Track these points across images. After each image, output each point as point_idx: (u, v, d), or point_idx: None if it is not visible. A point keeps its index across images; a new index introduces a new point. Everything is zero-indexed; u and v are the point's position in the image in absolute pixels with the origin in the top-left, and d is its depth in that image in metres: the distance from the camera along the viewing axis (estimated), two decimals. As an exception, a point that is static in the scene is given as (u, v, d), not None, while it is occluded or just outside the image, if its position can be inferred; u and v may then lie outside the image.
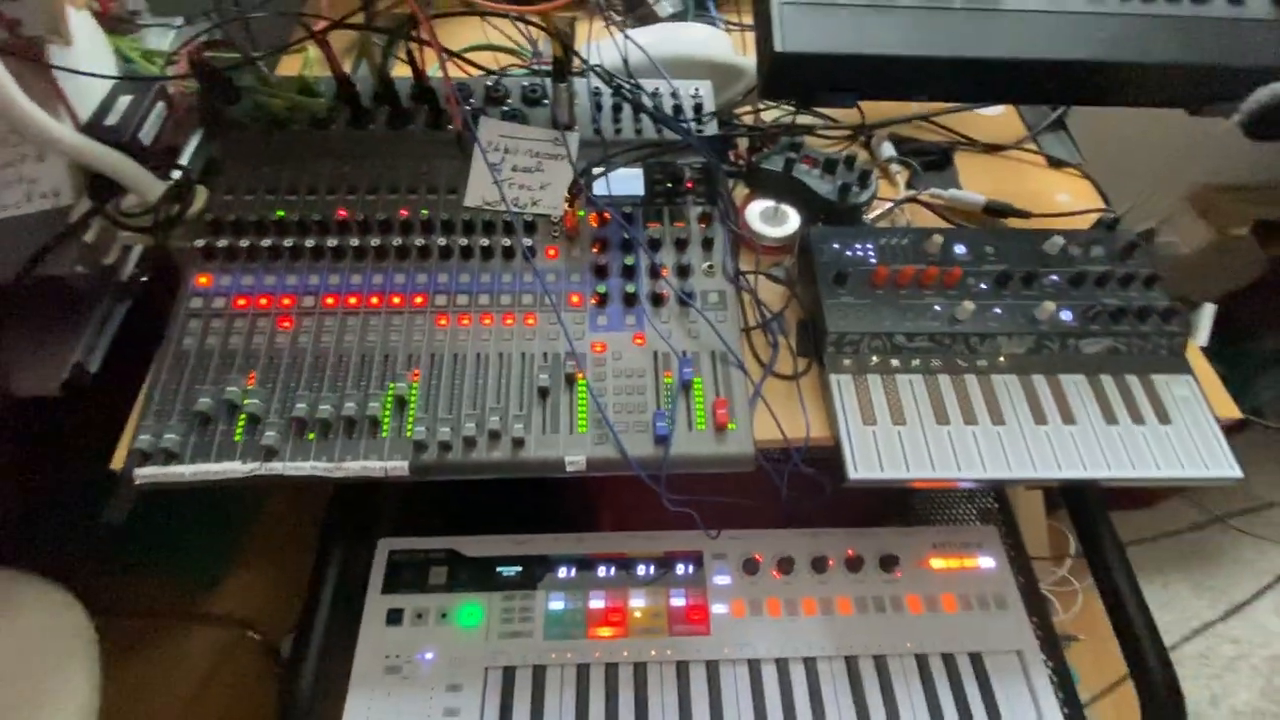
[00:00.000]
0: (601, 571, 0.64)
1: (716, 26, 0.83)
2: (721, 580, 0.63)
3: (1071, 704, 0.61)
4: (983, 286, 0.60)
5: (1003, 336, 0.58)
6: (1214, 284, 1.28)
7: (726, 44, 0.77)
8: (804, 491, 0.55)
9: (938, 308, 0.59)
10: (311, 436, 0.49)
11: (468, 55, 0.67)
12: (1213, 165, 1.31)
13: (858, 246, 0.61)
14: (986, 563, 0.66)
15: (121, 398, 0.58)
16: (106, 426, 0.59)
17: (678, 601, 0.62)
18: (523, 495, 0.69)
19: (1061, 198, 0.74)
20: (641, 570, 0.64)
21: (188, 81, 0.66)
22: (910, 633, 0.62)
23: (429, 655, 0.59)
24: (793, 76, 0.48)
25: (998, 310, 0.59)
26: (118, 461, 0.50)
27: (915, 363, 0.58)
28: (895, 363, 0.58)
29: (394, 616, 0.61)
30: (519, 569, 0.64)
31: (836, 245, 0.61)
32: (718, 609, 0.62)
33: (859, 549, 0.65)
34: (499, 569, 0.63)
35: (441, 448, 0.49)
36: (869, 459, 0.53)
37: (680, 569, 0.64)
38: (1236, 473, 0.52)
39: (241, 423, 0.50)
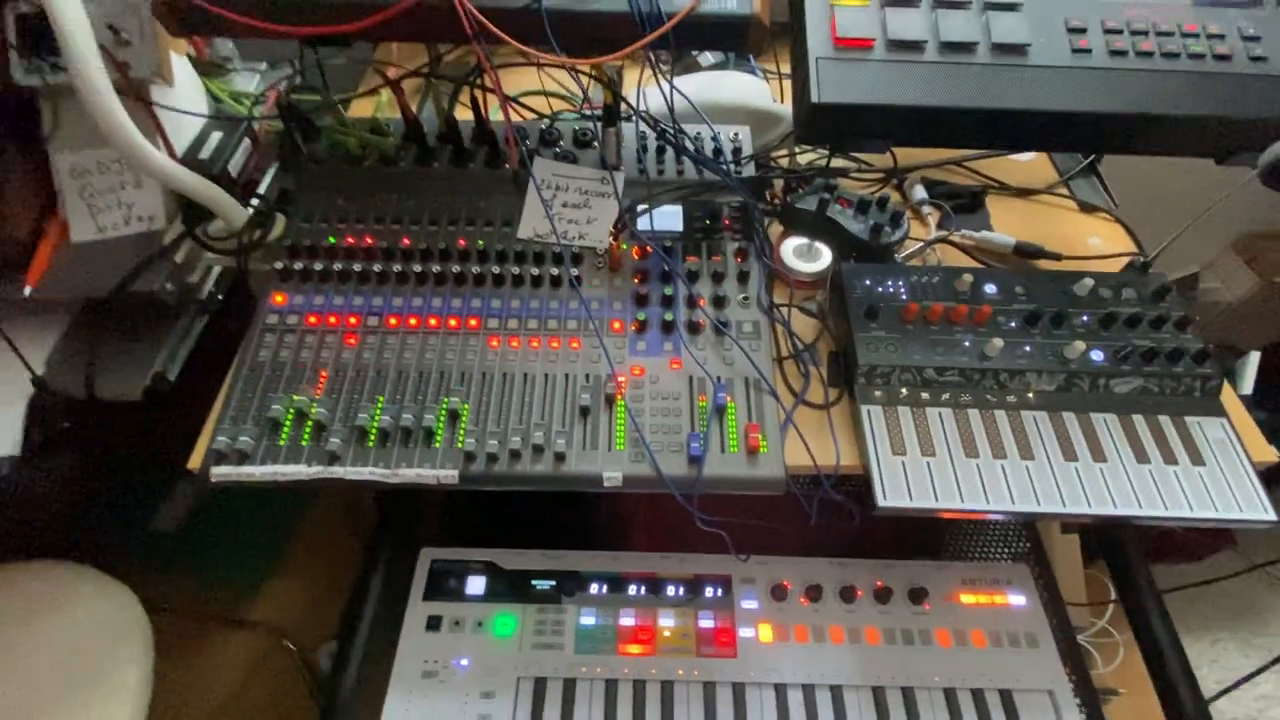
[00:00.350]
0: (632, 590, 0.66)
1: (756, 75, 0.88)
2: (749, 604, 0.65)
3: (1106, 749, 0.60)
4: (1012, 325, 0.62)
5: (1032, 374, 0.60)
6: (1259, 331, 1.26)
7: (765, 92, 0.82)
8: (833, 519, 0.57)
9: (967, 344, 0.60)
10: (371, 444, 0.53)
11: (524, 100, 0.73)
12: (1256, 213, 1.30)
13: (889, 283, 0.64)
14: (1018, 600, 0.66)
15: (188, 407, 0.64)
16: (169, 433, 0.64)
17: (706, 623, 0.64)
18: (558, 512, 0.72)
19: (1093, 241, 0.75)
20: (671, 591, 0.66)
21: (273, 121, 0.73)
22: (939, 666, 0.62)
23: (464, 662, 0.61)
24: (827, 124, 0.52)
25: (1027, 348, 0.60)
26: (195, 461, 0.54)
27: (944, 396, 0.59)
28: (925, 395, 0.59)
29: (433, 623, 0.63)
30: (553, 583, 0.66)
31: (868, 281, 0.64)
32: (745, 633, 0.63)
33: (888, 580, 0.66)
34: (533, 582, 0.66)
35: (489, 459, 0.53)
36: (898, 488, 0.54)
37: (709, 591, 0.66)
38: (1271, 516, 0.52)
39: (309, 429, 0.54)
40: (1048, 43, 0.52)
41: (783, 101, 0.80)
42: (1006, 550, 0.77)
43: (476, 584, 0.66)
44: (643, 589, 0.66)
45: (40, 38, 0.63)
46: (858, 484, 0.56)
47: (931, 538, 0.79)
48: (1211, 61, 0.52)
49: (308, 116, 0.65)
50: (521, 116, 0.73)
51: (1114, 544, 0.69)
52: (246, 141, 0.75)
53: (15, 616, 0.78)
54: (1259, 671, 0.72)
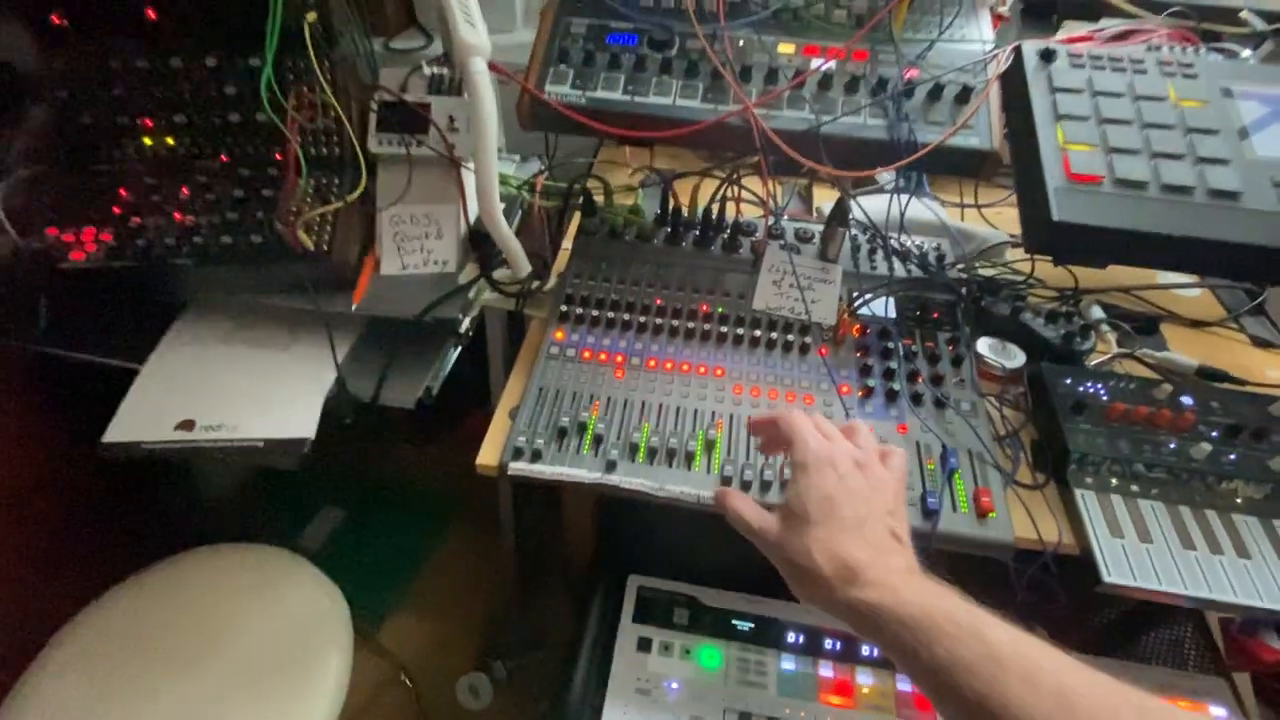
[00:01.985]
0: (828, 644, 0.69)
1: (929, 200, 1.01)
2: (945, 675, 0.66)
3: None
4: (1214, 434, 0.67)
5: (1240, 480, 0.64)
6: None
7: (944, 213, 0.94)
8: (1036, 602, 0.60)
9: (1173, 445, 0.65)
10: (642, 459, 0.62)
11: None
12: None
13: (1089, 384, 0.70)
14: (1219, 713, 0.65)
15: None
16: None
17: (905, 687, 0.66)
18: (750, 559, 0.77)
19: (1272, 373, 0.80)
20: (866, 651, 0.69)
21: (545, 200, 0.90)
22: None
23: (674, 685, 0.65)
24: (1062, 239, 0.62)
25: (1232, 456, 0.65)
26: (489, 458, 0.64)
27: (1154, 491, 0.64)
28: (1134, 488, 0.64)
29: (643, 644, 0.68)
30: (751, 625, 0.70)
31: (1069, 381, 0.71)
32: (944, 701, 0.64)
33: (1084, 673, 0.67)
34: (734, 621, 0.70)
35: (744, 485, 0.60)
36: (1121, 567, 0.58)
37: (903, 656, 0.68)
38: None
39: (588, 440, 0.63)
40: (1257, 191, 0.62)
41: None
42: (1193, 658, 0.76)
43: (681, 615, 0.70)
44: (838, 644, 0.69)
45: (394, 120, 0.82)
46: (1067, 567, 0.60)
47: (1119, 637, 0.79)
48: None
49: (593, 198, 0.80)
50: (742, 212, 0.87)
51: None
52: (520, 213, 0.92)
53: (230, 595, 0.86)
54: None
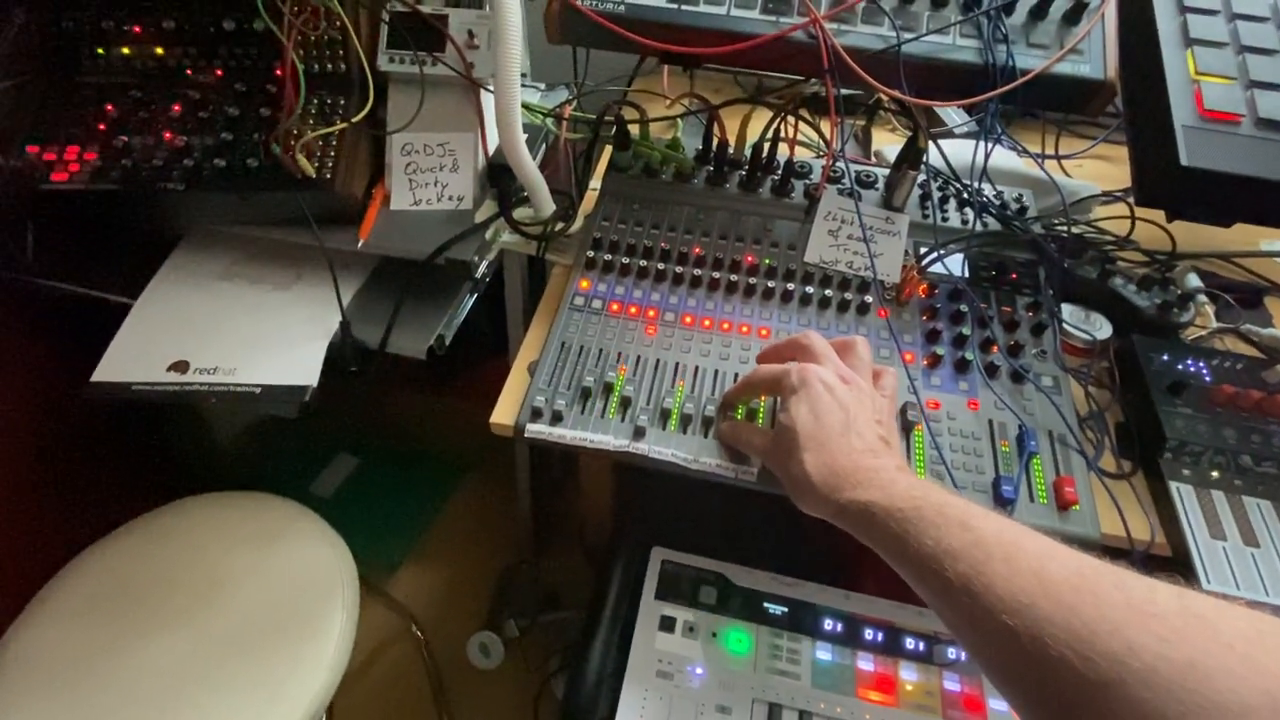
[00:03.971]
0: (868, 634, 0.63)
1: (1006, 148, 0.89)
2: (998, 675, 0.60)
3: None
4: (1336, 427, 0.58)
5: (1366, 481, 0.55)
6: None
7: (1020, 163, 0.83)
8: None
9: (1287, 437, 0.57)
10: (674, 426, 0.55)
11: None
12: None
13: (1189, 362, 0.61)
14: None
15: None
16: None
17: (952, 685, 0.60)
18: (785, 536, 0.70)
19: (1396, 358, 0.70)
20: (910, 644, 0.62)
21: (572, 132, 0.80)
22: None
23: (699, 670, 0.60)
24: (1190, 189, 0.52)
25: (1359, 454, 0.56)
26: (503, 417, 0.57)
27: (1261, 488, 0.55)
28: (1239, 483, 0.56)
29: (666, 623, 0.63)
30: (785, 609, 0.64)
31: (1166, 357, 0.61)
32: (997, 705, 0.59)
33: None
34: (765, 604, 0.64)
35: (790, 463, 0.53)
36: (1222, 574, 0.50)
37: (952, 653, 0.62)
38: None
39: (614, 403, 0.56)
40: None
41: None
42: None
43: (708, 594, 0.65)
44: (879, 635, 0.63)
45: (407, 34, 0.72)
46: (1154, 570, 0.53)
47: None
48: None
49: (626, 128, 0.71)
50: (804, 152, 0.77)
51: None
52: (544, 146, 0.83)
53: (229, 547, 0.82)
54: None
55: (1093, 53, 0.57)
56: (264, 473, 1.40)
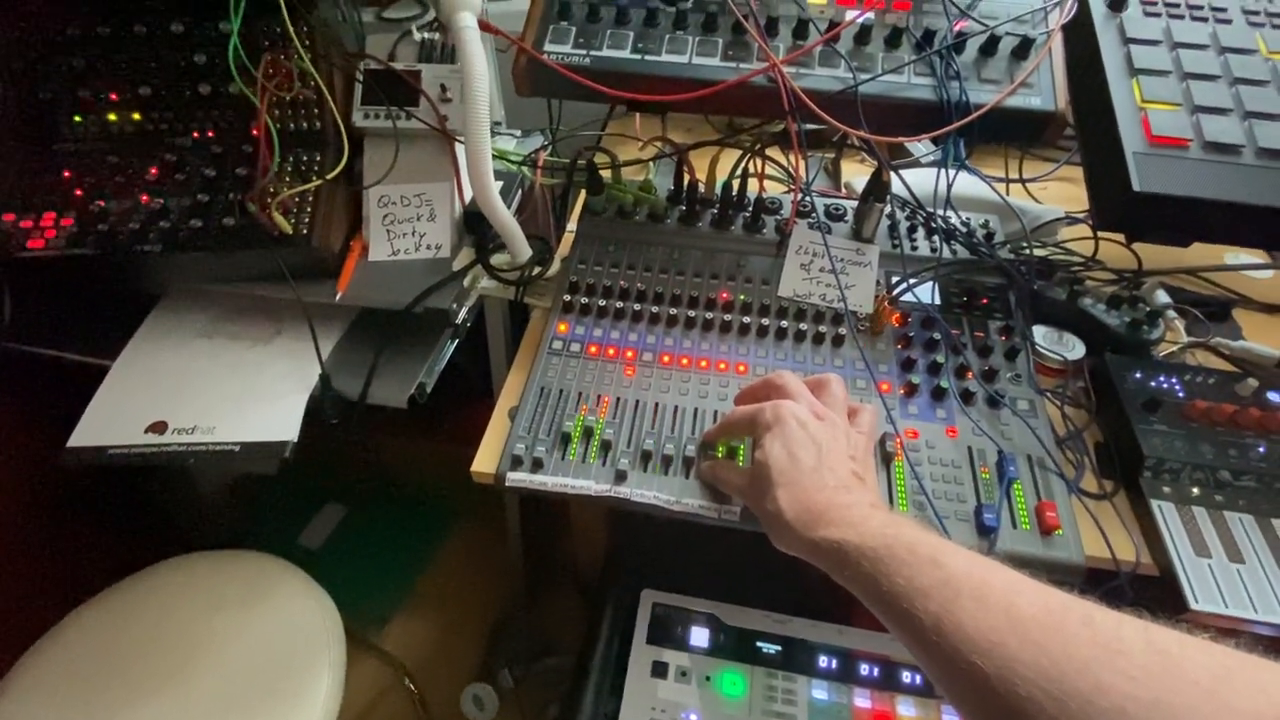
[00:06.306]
0: (864, 670, 0.62)
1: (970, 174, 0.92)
2: (996, 706, 0.59)
3: None
4: (1310, 436, 0.58)
5: (1344, 490, 0.55)
6: None
7: (986, 190, 0.85)
8: None
9: (1262, 449, 0.57)
10: (655, 470, 0.55)
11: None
12: None
13: (1161, 378, 0.62)
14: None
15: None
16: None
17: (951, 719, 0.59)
18: (776, 573, 0.70)
19: (1364, 365, 0.71)
20: (907, 678, 0.61)
21: (547, 177, 0.82)
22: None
23: (693, 717, 0.58)
24: (1143, 213, 0.53)
25: (1333, 462, 0.56)
26: (485, 465, 0.57)
27: (1241, 502, 0.56)
28: (1219, 498, 0.56)
29: (659, 669, 0.61)
30: (779, 648, 0.63)
31: (1139, 375, 0.62)
32: (997, 737, 0.57)
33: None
34: (759, 644, 0.63)
35: (772, 500, 0.53)
36: (1209, 592, 0.50)
37: (949, 684, 0.61)
38: None
39: (595, 447, 0.56)
40: (1375, 155, 0.53)
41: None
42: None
43: (700, 635, 0.64)
44: (875, 670, 0.62)
45: (381, 90, 0.74)
46: (1140, 590, 0.53)
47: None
48: None
49: (599, 174, 0.72)
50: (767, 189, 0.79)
51: None
52: (520, 193, 0.84)
53: (212, 608, 0.81)
54: None
55: (1042, 85, 0.59)
56: (252, 526, 1.37)
